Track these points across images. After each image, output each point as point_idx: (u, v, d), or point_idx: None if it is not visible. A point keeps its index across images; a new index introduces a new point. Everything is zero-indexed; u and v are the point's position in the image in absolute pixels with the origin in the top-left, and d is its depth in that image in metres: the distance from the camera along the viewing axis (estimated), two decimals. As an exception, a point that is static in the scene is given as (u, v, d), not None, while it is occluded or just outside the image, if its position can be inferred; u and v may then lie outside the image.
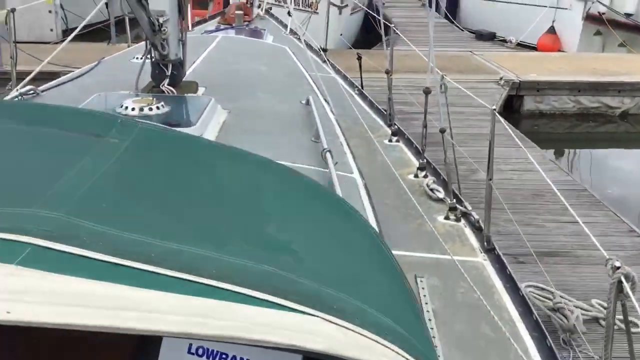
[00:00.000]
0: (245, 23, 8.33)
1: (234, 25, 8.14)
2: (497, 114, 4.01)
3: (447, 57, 14.09)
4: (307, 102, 4.28)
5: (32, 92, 4.08)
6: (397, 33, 7.96)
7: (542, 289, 4.71)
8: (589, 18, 16.28)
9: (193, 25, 8.67)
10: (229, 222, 1.62)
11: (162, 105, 3.25)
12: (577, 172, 9.96)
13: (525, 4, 17.05)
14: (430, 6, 5.66)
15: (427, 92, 4.84)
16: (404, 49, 13.95)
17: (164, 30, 3.83)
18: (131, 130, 1.92)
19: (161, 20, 3.83)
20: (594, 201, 6.74)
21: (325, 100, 5.00)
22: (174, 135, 1.99)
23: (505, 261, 4.02)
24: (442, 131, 4.58)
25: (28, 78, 4.79)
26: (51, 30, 13.18)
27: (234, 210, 1.68)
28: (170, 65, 3.98)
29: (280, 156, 3.11)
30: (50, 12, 13.13)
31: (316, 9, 14.34)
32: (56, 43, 13.34)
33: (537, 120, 11.66)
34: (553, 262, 5.33)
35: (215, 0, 13.05)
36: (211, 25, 8.52)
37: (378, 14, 18.88)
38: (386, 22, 18.19)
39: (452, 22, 19.50)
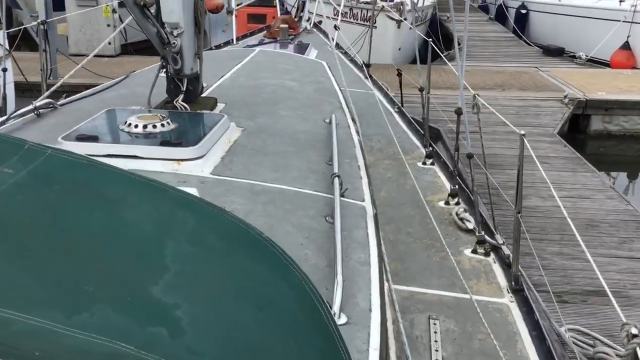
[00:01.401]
0: (291, 37, 8.12)
1: (278, 39, 7.94)
2: (525, 139, 3.56)
3: (510, 72, 13.51)
4: (330, 121, 3.98)
5: (50, 105, 3.96)
6: (437, 51, 7.45)
7: (585, 333, 4.18)
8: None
9: (238, 39, 8.54)
10: (103, 278, 1.30)
11: (168, 122, 3.05)
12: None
13: (598, 18, 16.18)
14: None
15: (458, 112, 4.43)
16: (468, 64, 13.55)
17: (174, 43, 3.63)
18: (35, 158, 1.64)
19: (175, 33, 3.63)
20: (656, 235, 6.08)
21: (353, 119, 4.66)
22: (85, 165, 1.70)
23: (533, 305, 3.56)
24: (470, 157, 4.16)
25: (48, 92, 4.69)
26: (110, 44, 13.43)
27: (115, 261, 1.36)
28: (186, 81, 3.78)
29: (285, 179, 2.85)
30: (108, 25, 13.42)
31: (374, 23, 14.00)
32: (114, 56, 13.63)
33: (604, 142, 10.91)
34: (601, 302, 4.76)
35: (269, 14, 12.97)
36: (255, 39, 8.35)
37: (440, 28, 18.53)
38: (448, 36, 17.78)
39: (520, 37, 18.78)
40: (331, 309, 1.74)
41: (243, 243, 1.54)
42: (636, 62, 15.14)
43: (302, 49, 7.41)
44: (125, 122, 3.01)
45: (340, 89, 5.19)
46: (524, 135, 3.55)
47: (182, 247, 1.46)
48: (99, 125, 3.10)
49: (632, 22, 15.13)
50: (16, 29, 10.51)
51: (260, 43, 7.77)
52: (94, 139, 2.80)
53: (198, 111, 3.66)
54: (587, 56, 15.63)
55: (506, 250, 4.07)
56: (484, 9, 24.78)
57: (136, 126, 2.96)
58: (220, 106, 3.96)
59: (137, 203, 1.59)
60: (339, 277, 1.90)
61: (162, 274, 1.33)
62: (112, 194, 1.60)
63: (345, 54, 8.56)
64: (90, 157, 1.74)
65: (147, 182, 1.65)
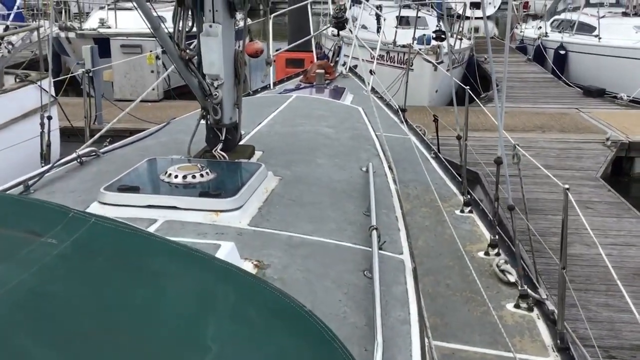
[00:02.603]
0: (327, 82, 8.17)
1: (314, 84, 8.00)
2: (569, 194, 3.44)
3: (550, 114, 13.34)
4: (367, 170, 3.95)
5: (93, 153, 4.03)
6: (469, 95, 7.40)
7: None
8: None
9: (275, 84, 8.64)
10: None
11: (207, 172, 3.06)
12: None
13: (639, 59, 15.92)
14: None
15: (498, 162, 4.33)
16: (507, 106, 13.39)
17: (215, 95, 3.68)
18: (79, 227, 1.64)
19: (216, 84, 3.68)
20: None
21: (390, 167, 4.62)
22: (129, 234, 1.69)
23: (580, 366, 3.40)
24: (511, 208, 4.04)
25: (91, 140, 4.79)
26: (153, 89, 13.77)
27: (157, 343, 1.33)
28: (225, 130, 3.81)
29: (322, 231, 2.81)
30: (152, 72, 13.77)
31: (411, 66, 14.06)
32: (157, 101, 13.94)
33: (650, 185, 10.60)
34: (653, 359, 4.54)
35: (307, 59, 13.14)
36: (292, 84, 8.43)
37: (477, 69, 18.48)
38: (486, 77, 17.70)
39: (559, 77, 18.59)
40: None
41: (285, 318, 1.50)
42: (680, 103, 14.80)
43: (338, 93, 7.44)
44: (166, 172, 3.03)
45: (376, 135, 5.16)
46: (568, 189, 3.44)
47: (223, 325, 1.42)
48: (140, 175, 3.13)
49: (676, 62, 14.85)
50: (62, 77, 10.87)
51: (297, 88, 7.84)
52: (135, 189, 2.82)
53: (236, 160, 3.67)
54: (628, 97, 15.33)
55: (550, 305, 3.92)
56: (522, 49, 24.67)
57: (176, 176, 2.98)
58: (257, 154, 3.97)
59: (179, 276, 1.57)
60: (379, 338, 1.84)
61: (203, 355, 1.29)
62: (154, 266, 1.58)
63: (381, 98, 8.56)
64: (131, 225, 1.73)
65: (190, 252, 1.63)
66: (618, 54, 16.91)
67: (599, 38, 18.09)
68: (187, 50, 3.55)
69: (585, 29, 19.34)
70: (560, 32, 21.12)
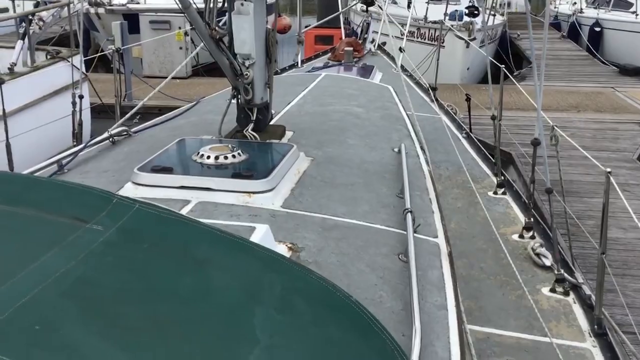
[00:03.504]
0: (355, 59, 8.06)
1: (342, 62, 7.89)
2: (611, 177, 3.32)
3: (585, 93, 13.04)
4: (399, 151, 3.88)
5: (124, 132, 4.03)
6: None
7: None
8: None
9: (303, 62, 8.55)
10: (193, 352, 1.24)
11: (239, 153, 3.03)
12: None
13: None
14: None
15: (535, 143, 4.20)
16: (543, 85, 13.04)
17: (247, 75, 3.62)
18: (123, 214, 1.62)
19: (247, 63, 3.62)
20: None
21: (422, 148, 4.53)
22: (173, 221, 1.67)
23: (618, 351, 3.31)
24: (549, 191, 3.93)
25: (123, 119, 4.78)
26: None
27: (204, 332, 1.29)
28: (256, 110, 3.76)
29: (355, 213, 2.78)
30: (180, 48, 13.75)
31: (442, 43, 13.82)
32: (186, 78, 13.95)
33: (688, 166, 10.29)
34: (693, 347, 4.39)
35: (336, 36, 12.99)
36: (320, 61, 8.33)
37: (510, 46, 18.08)
38: (521, 55, 17.33)
39: (595, 55, 18.13)
40: (410, 358, 1.66)
41: (331, 307, 1.48)
42: None
43: (366, 72, 7.34)
44: (198, 153, 3.01)
45: (407, 115, 5.07)
46: (610, 172, 3.32)
47: (270, 314, 1.40)
48: (172, 155, 3.12)
49: None
50: (92, 56, 10.91)
51: (325, 66, 7.75)
52: (168, 170, 2.81)
53: (267, 141, 3.63)
54: (667, 75, 14.91)
55: (587, 290, 3.82)
56: (556, 26, 24.09)
57: (208, 157, 2.96)
58: (288, 134, 3.93)
59: (224, 264, 1.56)
60: (417, 324, 1.81)
61: (252, 347, 1.27)
62: (200, 254, 1.57)
63: (411, 76, 8.42)
64: (175, 212, 1.71)
65: (233, 240, 1.61)
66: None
67: (636, 15, 17.58)
68: (218, 29, 3.50)
69: (622, 5, 18.81)
70: (595, 8, 20.58)
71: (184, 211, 2.54)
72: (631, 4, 18.06)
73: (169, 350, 1.19)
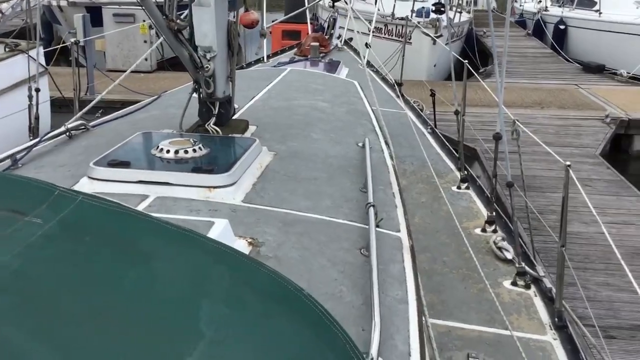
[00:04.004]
0: (322, 55, 8.03)
1: (309, 57, 7.85)
2: (571, 171, 3.35)
3: (549, 90, 13.22)
4: (364, 145, 3.86)
5: (82, 127, 3.93)
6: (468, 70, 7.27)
7: (633, 374, 3.93)
8: None
9: (269, 57, 8.49)
10: (136, 348, 1.18)
11: (200, 147, 2.97)
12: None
13: (639, 35, 15.75)
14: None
15: (496, 137, 4.23)
16: (505, 81, 13.19)
17: (207, 67, 3.55)
18: (65, 206, 1.55)
19: (208, 56, 3.55)
20: None
21: (386, 143, 4.53)
22: (118, 213, 1.60)
23: (578, 343, 3.34)
24: (510, 185, 3.95)
25: (80, 113, 4.66)
26: (146, 60, 13.55)
27: (148, 327, 1.24)
28: (218, 104, 3.70)
29: (318, 208, 2.74)
30: (145, 42, 13.54)
31: (409, 39, 13.88)
32: (150, 72, 13.74)
33: (648, 162, 10.54)
34: (651, 339, 4.49)
35: (304, 31, 12.94)
36: (287, 56, 8.28)
37: (476, 43, 18.25)
38: (486, 52, 17.50)
39: (559, 53, 18.41)
40: (369, 352, 1.63)
41: (282, 301, 1.43)
42: (680, 80, 14.69)
43: (332, 67, 7.31)
44: (157, 147, 2.94)
45: (372, 109, 5.06)
46: (569, 166, 3.35)
47: (217, 308, 1.35)
48: (131, 149, 3.04)
49: (676, 38, 14.70)
50: (53, 47, 10.67)
51: (291, 61, 7.71)
52: (125, 164, 2.74)
53: (230, 135, 3.58)
54: (628, 73, 15.19)
55: (548, 283, 3.86)
56: (522, 24, 24.42)
57: (168, 151, 2.89)
58: (251, 129, 3.88)
59: (171, 257, 1.50)
60: (377, 318, 1.79)
61: (197, 341, 1.22)
62: (145, 247, 1.51)
63: (377, 72, 8.43)
64: (121, 203, 1.64)
65: (182, 232, 1.56)
66: (618, 30, 16.74)
67: (600, 13, 17.90)
68: (179, 21, 3.42)
69: (586, 3, 19.13)
70: (560, 6, 20.89)
71: (142, 206, 2.48)
72: (595, 3, 18.38)
73: (108, 346, 1.14)
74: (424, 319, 2.46)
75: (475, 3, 23.44)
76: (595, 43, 17.58)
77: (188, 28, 3.49)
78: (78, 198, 1.57)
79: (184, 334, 1.22)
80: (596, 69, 15.90)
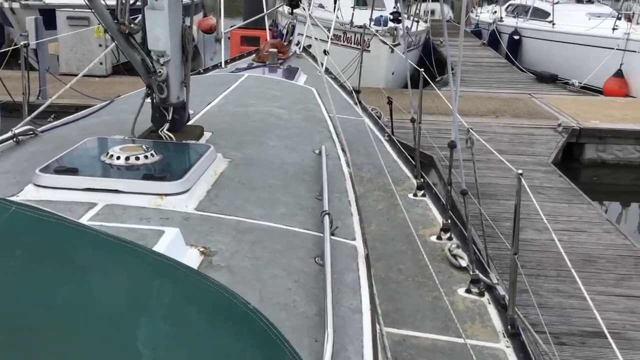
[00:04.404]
0: (280, 61, 7.99)
1: (267, 63, 7.81)
2: (523, 179, 3.39)
3: (503, 99, 13.47)
4: (320, 152, 3.83)
5: (30, 132, 3.79)
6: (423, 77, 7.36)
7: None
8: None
9: (227, 62, 8.42)
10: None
11: (152, 154, 2.89)
12: (638, 230, 9.05)
13: (591, 46, 16.23)
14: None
15: (451, 146, 4.27)
16: (461, 90, 13.45)
17: (160, 72, 3.48)
18: None
19: (162, 61, 3.48)
20: (654, 271, 5.90)
21: (343, 150, 4.52)
22: (54, 224, 1.53)
23: (531, 351, 3.37)
24: (464, 193, 3.99)
25: (29, 117, 4.52)
26: (101, 64, 13.29)
27: (83, 345, 1.18)
28: (171, 109, 3.62)
29: (272, 216, 2.70)
30: (100, 45, 13.28)
31: (368, 47, 13.97)
32: (105, 76, 13.48)
33: (598, 170, 10.81)
34: (601, 344, 4.57)
35: (263, 37, 12.90)
36: (245, 62, 8.22)
37: (434, 52, 18.50)
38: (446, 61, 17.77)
39: (513, 62, 18.81)
40: None
41: (227, 316, 1.38)
42: (629, 90, 15.17)
43: (291, 73, 7.28)
44: (107, 154, 2.85)
45: (329, 116, 5.05)
46: (521, 174, 3.39)
47: (156, 324, 1.28)
48: (79, 156, 2.94)
49: (625, 50, 15.18)
50: (3, 50, 10.37)
51: (249, 67, 7.65)
52: (73, 171, 2.65)
53: (184, 141, 3.51)
54: (580, 83, 15.62)
55: (501, 290, 3.90)
56: (477, 34, 24.89)
57: (118, 158, 2.81)
58: (206, 135, 3.81)
59: (109, 270, 1.42)
60: (329, 329, 1.76)
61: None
62: (81, 260, 1.43)
63: (335, 79, 8.44)
64: (57, 214, 1.56)
65: (121, 244, 1.48)
66: (571, 40, 17.21)
67: (553, 24, 18.37)
68: (132, 25, 3.35)
69: (540, 14, 19.62)
70: (515, 17, 21.38)
71: (89, 215, 2.40)
72: (548, 14, 18.85)
73: None
74: (378, 328, 2.45)
75: (433, 13, 23.79)
76: (549, 53, 18.03)
77: (141, 32, 3.43)
78: (11, 208, 1.50)
79: (120, 353, 1.16)
80: (549, 79, 16.29)
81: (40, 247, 1.40)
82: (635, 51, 15.05)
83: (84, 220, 2.34)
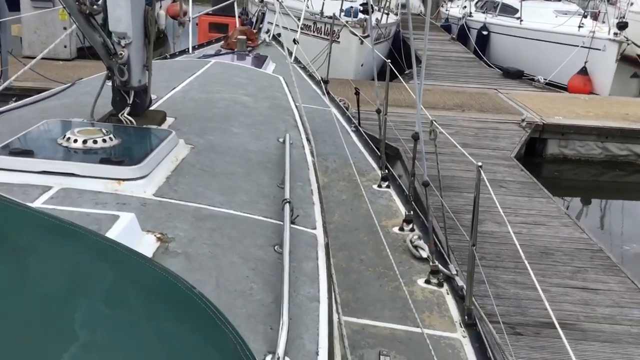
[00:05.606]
0: (249, 49, 7.94)
1: (235, 50, 7.75)
2: (482, 171, 3.45)
3: (470, 93, 13.61)
4: (284, 141, 3.82)
5: None
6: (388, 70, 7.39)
7: (537, 369, 4.09)
8: (627, 60, 15.61)
9: (195, 48, 8.33)
10: None
11: (111, 137, 2.84)
12: (598, 225, 9.27)
13: (557, 43, 16.48)
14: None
15: (415, 137, 4.31)
16: (429, 84, 13.51)
17: (121, 54, 3.42)
18: None
19: (123, 43, 3.42)
20: (609, 265, 6.04)
21: (308, 139, 4.52)
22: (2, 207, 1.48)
23: (486, 341, 3.44)
24: (426, 185, 4.04)
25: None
26: (65, 47, 13.02)
27: (13, 327, 1.15)
28: (132, 93, 3.57)
29: (233, 203, 2.68)
30: (65, 28, 12.98)
31: (338, 38, 13.96)
32: (69, 60, 13.21)
33: (560, 165, 11.03)
34: (555, 335, 4.66)
35: (231, 24, 12.78)
36: (212, 49, 8.14)
37: (403, 46, 18.59)
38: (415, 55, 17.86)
39: (481, 57, 19.00)
40: (275, 351, 1.61)
41: (171, 300, 1.36)
42: (593, 88, 15.45)
43: (259, 61, 7.24)
44: (64, 137, 2.80)
45: (296, 105, 5.04)
46: (480, 166, 3.44)
47: (96, 308, 1.25)
48: (36, 138, 2.88)
49: (590, 48, 15.44)
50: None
51: (217, 54, 7.57)
52: (28, 153, 2.60)
53: (144, 126, 3.46)
54: (545, 80, 15.87)
55: (460, 281, 3.96)
56: (447, 28, 25.05)
57: (75, 141, 2.75)
58: (169, 121, 3.77)
59: (47, 251, 1.38)
60: (285, 317, 1.76)
61: (68, 344, 1.13)
62: (17, 240, 1.38)
63: (304, 68, 8.42)
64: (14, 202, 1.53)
65: (63, 225, 1.44)
66: (537, 37, 17.45)
67: (520, 20, 18.58)
68: (94, 6, 3.28)
69: (508, 10, 19.82)
70: (484, 12, 21.56)
71: (44, 198, 2.36)
72: (516, 10, 19.06)
73: None
74: (337, 317, 2.46)
75: (404, 6, 23.88)
76: (516, 49, 18.25)
77: (102, 13, 3.36)
78: None
79: (55, 336, 1.13)
80: (515, 75, 16.50)
81: None
82: (599, 49, 15.32)
83: (38, 203, 2.30)
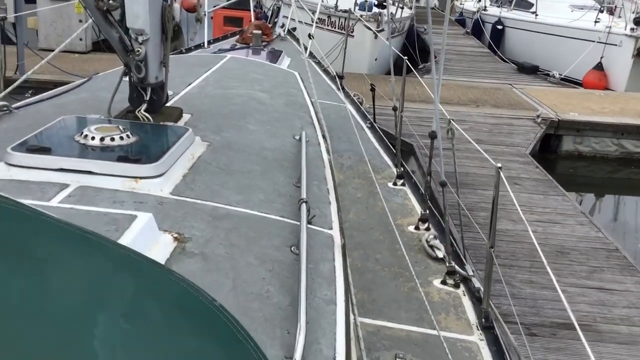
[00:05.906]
0: (264, 43, 7.92)
1: (250, 45, 7.73)
2: (502, 173, 3.40)
3: (484, 88, 13.51)
4: (300, 138, 3.80)
5: (5, 108, 3.71)
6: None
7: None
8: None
9: (210, 42, 8.32)
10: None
11: (128, 135, 2.83)
12: (613, 222, 9.19)
13: (573, 38, 16.31)
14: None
15: (432, 136, 4.27)
16: (443, 78, 13.41)
17: (138, 51, 3.41)
18: None
19: (140, 39, 3.41)
20: (625, 264, 5.98)
21: (324, 136, 4.49)
22: (12, 212, 1.46)
23: (503, 344, 3.41)
24: (443, 184, 4.00)
25: (3, 94, 4.42)
26: (80, 40, 13.05)
27: (35, 344, 1.14)
28: (150, 89, 3.56)
29: (249, 202, 2.66)
30: (80, 21, 13.04)
31: (352, 32, 13.89)
32: (85, 53, 13.25)
33: (575, 162, 10.93)
34: (571, 336, 4.64)
35: (246, 18, 12.75)
36: (227, 43, 8.13)
37: (417, 40, 18.46)
38: (429, 49, 17.75)
39: (495, 52, 18.86)
40: (293, 356, 1.59)
41: (191, 313, 1.34)
42: (608, 83, 15.30)
43: (274, 56, 7.22)
44: (81, 133, 2.80)
45: (311, 102, 5.01)
46: (500, 168, 3.40)
47: (116, 321, 1.23)
48: (53, 134, 2.87)
49: (605, 43, 15.28)
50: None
51: (232, 48, 7.56)
52: (46, 150, 2.59)
53: (161, 123, 3.45)
54: (560, 75, 15.73)
55: (476, 282, 3.93)
56: (461, 22, 24.89)
57: (93, 138, 2.74)
58: (185, 117, 3.76)
59: (67, 263, 1.36)
60: (302, 321, 1.75)
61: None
62: (38, 251, 1.36)
63: (319, 63, 8.38)
64: (13, 200, 1.50)
65: (83, 235, 1.42)
66: (552, 32, 17.28)
67: (536, 15, 18.42)
68: (111, 1, 3.27)
69: (523, 4, 19.65)
70: (498, 6, 21.40)
71: (62, 196, 2.36)
72: (532, 4, 18.89)
73: None
74: (352, 318, 2.44)
75: (418, 0, 23.73)
76: (531, 44, 18.10)
77: (120, 9, 3.35)
78: None
79: (76, 352, 1.12)
80: (530, 70, 16.37)
81: None
82: (615, 44, 15.15)
83: (55, 201, 2.30)
